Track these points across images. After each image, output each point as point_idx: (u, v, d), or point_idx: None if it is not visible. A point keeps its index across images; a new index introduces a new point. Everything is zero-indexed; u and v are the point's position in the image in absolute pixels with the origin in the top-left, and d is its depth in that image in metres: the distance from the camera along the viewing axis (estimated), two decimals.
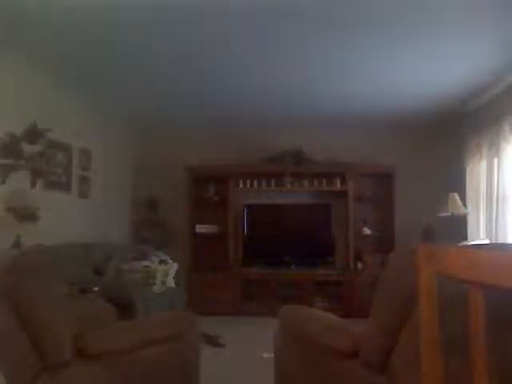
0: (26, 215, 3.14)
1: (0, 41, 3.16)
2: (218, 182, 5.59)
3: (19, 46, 3.30)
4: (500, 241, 3.86)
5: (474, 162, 4.61)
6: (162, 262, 4.19)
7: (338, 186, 5.36)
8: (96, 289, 3.34)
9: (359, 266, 5.31)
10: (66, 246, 3.59)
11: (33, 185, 3.53)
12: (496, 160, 4.07)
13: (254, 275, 5.26)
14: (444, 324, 0.86)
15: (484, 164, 4.35)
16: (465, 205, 4.65)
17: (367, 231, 5.44)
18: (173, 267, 4.24)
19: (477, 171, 4.53)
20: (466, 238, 4.65)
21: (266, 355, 3.14)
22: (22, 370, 1.70)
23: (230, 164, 5.48)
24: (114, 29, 3.03)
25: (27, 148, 3.41)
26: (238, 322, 4.79)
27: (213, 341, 3.81)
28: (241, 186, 5.42)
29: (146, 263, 4.06)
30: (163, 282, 4.05)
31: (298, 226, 5.50)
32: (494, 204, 4.03)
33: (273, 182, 5.41)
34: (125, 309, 3.03)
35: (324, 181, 5.38)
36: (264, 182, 5.41)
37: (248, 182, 5.42)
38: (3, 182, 3.20)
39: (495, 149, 4.08)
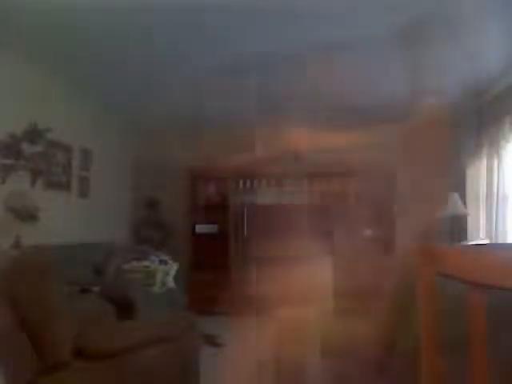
0: (25, 215, 3.14)
1: (0, 41, 3.16)
2: (218, 182, 5.59)
3: (19, 46, 3.30)
4: (500, 241, 3.86)
5: (474, 162, 4.61)
6: (161, 261, 4.19)
7: (338, 186, 5.36)
8: (96, 289, 3.33)
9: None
10: (66, 246, 3.58)
11: (33, 185, 3.52)
12: (496, 160, 4.07)
13: (253, 275, 5.26)
14: (444, 324, 0.86)
15: (484, 164, 4.35)
16: (465, 205, 4.65)
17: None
18: (173, 267, 4.24)
19: (477, 171, 4.53)
20: (466, 238, 4.65)
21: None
22: (21, 370, 1.70)
23: (230, 164, 5.47)
24: (114, 29, 3.03)
25: (27, 148, 3.41)
26: (238, 322, 4.79)
27: (213, 341, 3.81)
28: (241, 186, 5.42)
29: (146, 263, 4.06)
30: (163, 282, 4.05)
31: (298, 226, 5.49)
32: (494, 204, 4.02)
33: (273, 182, 5.41)
34: (125, 309, 3.04)
35: (324, 181, 5.38)
36: (264, 182, 5.41)
37: (248, 182, 5.42)
38: (3, 182, 3.20)
39: (495, 148, 4.08)
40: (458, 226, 4.72)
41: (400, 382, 1.43)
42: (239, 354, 3.53)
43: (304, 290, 5.13)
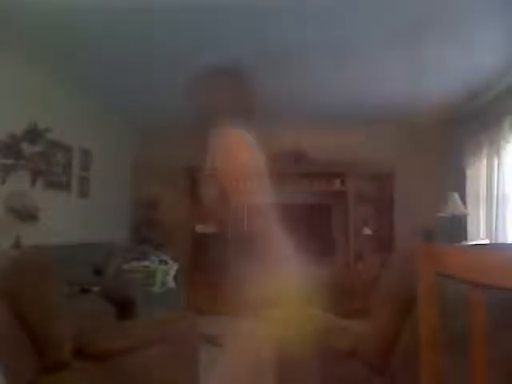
0: (25, 215, 3.14)
1: (0, 41, 3.16)
2: (218, 182, 5.58)
3: (19, 46, 3.30)
4: (500, 241, 3.86)
5: (474, 162, 4.61)
6: (161, 262, 4.19)
7: (337, 186, 5.36)
8: (96, 289, 3.33)
9: (359, 265, 5.31)
10: (66, 246, 3.58)
11: (33, 185, 3.52)
12: (496, 160, 4.07)
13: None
14: (444, 324, 0.86)
15: (484, 164, 4.35)
16: (465, 205, 4.65)
17: (367, 231, 5.44)
18: (173, 267, 4.24)
19: (477, 171, 4.53)
20: (466, 238, 4.65)
21: (265, 355, 3.14)
22: (21, 370, 1.70)
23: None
24: (114, 29, 3.03)
25: (27, 148, 3.41)
26: (238, 322, 4.78)
27: (213, 341, 3.81)
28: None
29: (146, 263, 4.06)
30: (163, 282, 4.05)
31: (298, 226, 5.49)
32: (494, 204, 4.03)
33: (273, 182, 5.40)
34: (125, 309, 3.04)
35: (324, 181, 5.38)
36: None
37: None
38: (3, 182, 3.20)
39: (495, 148, 4.08)
40: (458, 226, 4.72)
41: (400, 382, 1.43)
42: (239, 354, 3.53)
43: (303, 289, 5.13)
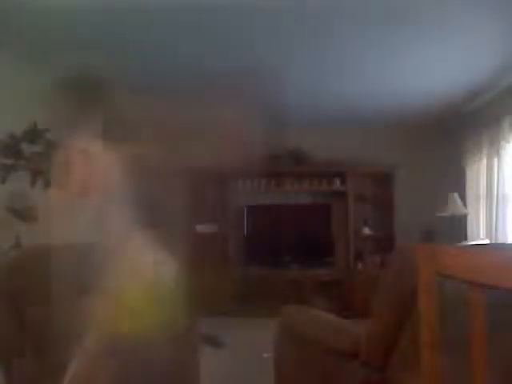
0: (26, 215, 3.14)
1: (0, 41, 3.16)
2: (218, 182, 5.58)
3: (19, 46, 3.30)
4: (500, 241, 3.86)
5: (474, 162, 4.61)
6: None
7: (337, 185, 5.37)
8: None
9: (359, 265, 5.31)
10: (66, 246, 3.58)
11: (33, 185, 3.52)
12: (496, 160, 4.07)
13: (254, 275, 5.26)
14: (444, 324, 0.86)
15: (484, 164, 4.35)
16: (465, 205, 4.65)
17: (367, 231, 5.44)
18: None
19: (477, 171, 4.53)
20: (465, 238, 4.65)
21: (265, 355, 3.14)
22: (21, 370, 1.70)
23: (230, 164, 5.47)
24: (114, 31, 3.03)
25: (27, 148, 3.41)
26: (237, 322, 4.78)
27: (212, 341, 3.81)
28: (241, 186, 5.42)
29: None
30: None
31: (298, 225, 5.50)
32: (494, 204, 4.03)
33: (273, 181, 5.41)
34: None
35: (324, 181, 5.38)
36: (264, 182, 5.41)
37: (248, 181, 5.42)
38: (3, 182, 3.20)
39: (495, 148, 4.08)
40: (458, 226, 4.72)
41: (400, 382, 1.43)
42: (239, 354, 3.53)
43: (303, 289, 5.13)
